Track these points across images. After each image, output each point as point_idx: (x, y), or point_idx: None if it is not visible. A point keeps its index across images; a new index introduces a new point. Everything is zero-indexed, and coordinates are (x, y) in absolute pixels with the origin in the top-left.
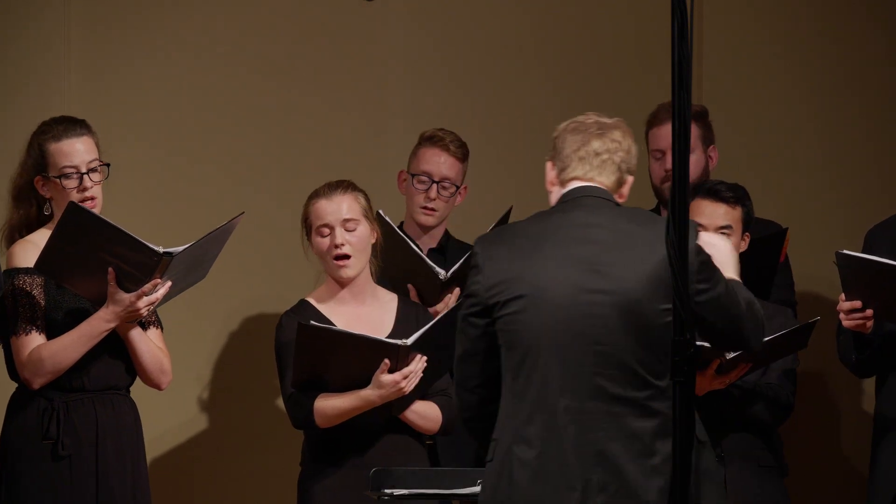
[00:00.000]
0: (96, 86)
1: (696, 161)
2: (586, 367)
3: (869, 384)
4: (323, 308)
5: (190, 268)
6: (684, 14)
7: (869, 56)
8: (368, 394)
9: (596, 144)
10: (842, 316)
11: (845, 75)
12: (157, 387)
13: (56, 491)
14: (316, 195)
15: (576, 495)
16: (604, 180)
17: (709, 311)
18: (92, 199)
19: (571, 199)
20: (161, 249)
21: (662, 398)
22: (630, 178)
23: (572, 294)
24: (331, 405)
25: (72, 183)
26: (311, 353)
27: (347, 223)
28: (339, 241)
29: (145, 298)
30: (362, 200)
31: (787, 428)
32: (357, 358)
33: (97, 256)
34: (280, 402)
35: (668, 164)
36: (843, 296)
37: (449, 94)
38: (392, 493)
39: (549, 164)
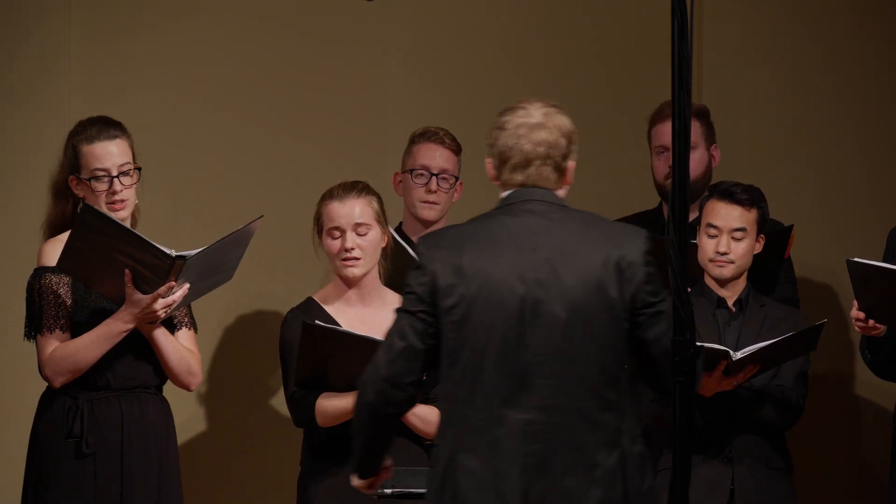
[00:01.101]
0: (98, 90)
1: (698, 158)
2: (531, 377)
3: (884, 385)
4: (328, 307)
5: (208, 270)
6: (684, 14)
7: (869, 55)
8: None
9: (527, 148)
10: (854, 322)
11: (845, 74)
12: (186, 388)
13: (80, 489)
14: (330, 196)
15: None
16: (543, 182)
17: (647, 327)
18: (122, 202)
19: (515, 203)
20: (174, 253)
21: (610, 409)
22: (571, 164)
23: (518, 303)
24: (332, 405)
25: (102, 186)
26: (314, 353)
27: (359, 227)
28: (349, 244)
29: (161, 301)
30: (375, 204)
31: (801, 429)
32: (359, 359)
33: (114, 258)
34: (280, 401)
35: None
36: (855, 302)
37: (449, 95)
38: (391, 492)
39: (487, 161)
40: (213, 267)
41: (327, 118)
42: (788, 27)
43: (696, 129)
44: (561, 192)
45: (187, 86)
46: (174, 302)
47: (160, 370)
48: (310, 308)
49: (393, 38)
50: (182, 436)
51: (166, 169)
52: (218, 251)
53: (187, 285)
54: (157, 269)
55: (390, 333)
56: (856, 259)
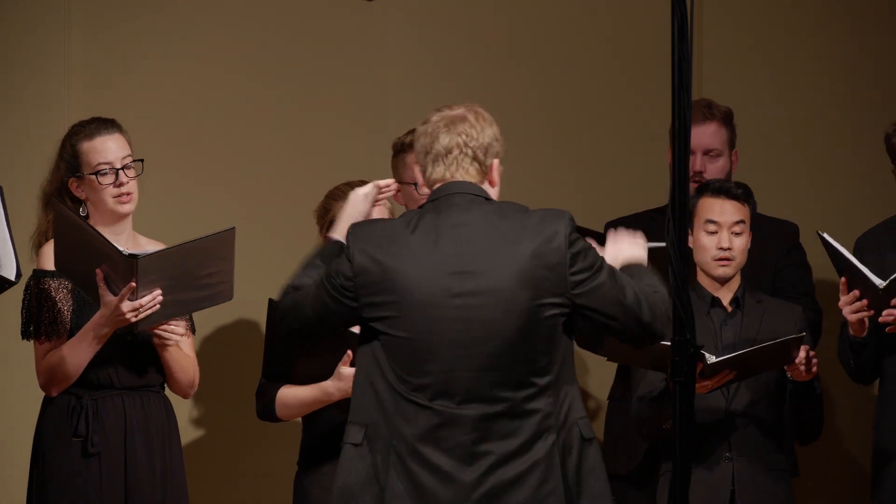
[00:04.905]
0: (97, 87)
1: (722, 166)
2: (459, 371)
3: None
4: None
5: (182, 282)
6: (684, 14)
7: (869, 54)
8: (328, 385)
9: (444, 141)
10: (843, 305)
11: (845, 74)
12: (184, 397)
13: (86, 488)
14: (343, 195)
15: (460, 496)
16: (463, 174)
17: (592, 301)
18: (128, 194)
19: (441, 198)
20: (126, 251)
21: (542, 396)
22: (496, 162)
23: (444, 299)
24: (291, 394)
25: (107, 179)
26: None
27: None
28: None
29: (127, 303)
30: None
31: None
32: (323, 348)
33: (91, 258)
34: None
35: (697, 164)
36: (842, 279)
37: (449, 96)
38: None
39: (414, 165)
40: (188, 279)
41: (327, 118)
42: (788, 27)
43: (722, 136)
44: (487, 190)
45: (186, 86)
46: (141, 307)
47: (163, 369)
48: None
49: (393, 39)
50: (182, 437)
51: (165, 168)
52: (183, 257)
53: (157, 291)
54: (120, 269)
55: (311, 293)
56: (824, 234)
